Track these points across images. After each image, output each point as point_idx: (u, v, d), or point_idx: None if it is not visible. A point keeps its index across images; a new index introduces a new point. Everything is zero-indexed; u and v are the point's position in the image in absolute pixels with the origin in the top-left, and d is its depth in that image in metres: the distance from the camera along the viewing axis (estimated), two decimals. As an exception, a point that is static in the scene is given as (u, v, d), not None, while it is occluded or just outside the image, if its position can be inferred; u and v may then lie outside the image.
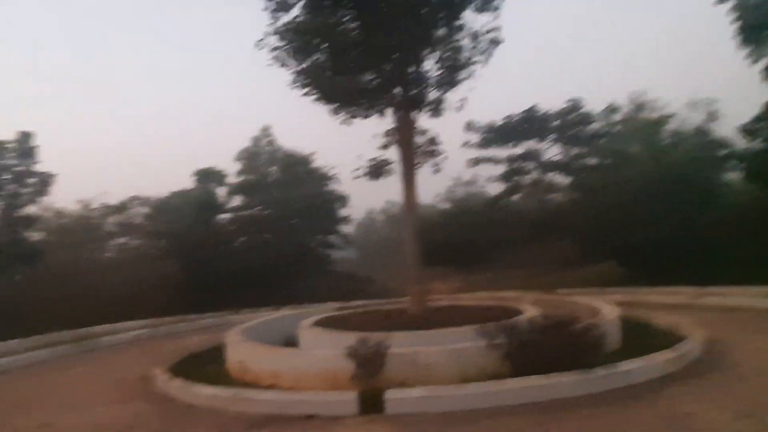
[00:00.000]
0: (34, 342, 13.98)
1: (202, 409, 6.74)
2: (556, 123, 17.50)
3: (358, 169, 11.57)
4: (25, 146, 20.25)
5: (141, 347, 13.20)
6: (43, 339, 14.72)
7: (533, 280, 19.62)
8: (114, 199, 26.15)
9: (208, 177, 26.32)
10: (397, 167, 11.25)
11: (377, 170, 11.51)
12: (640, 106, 21.48)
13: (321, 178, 30.41)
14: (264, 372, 7.86)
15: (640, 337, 8.71)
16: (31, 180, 20.39)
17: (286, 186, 29.38)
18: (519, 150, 18.03)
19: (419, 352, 6.96)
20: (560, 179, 18.43)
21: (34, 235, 22.21)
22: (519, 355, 6.75)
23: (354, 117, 11.60)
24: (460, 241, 23.15)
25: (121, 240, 26.76)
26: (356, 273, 32.95)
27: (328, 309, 14.13)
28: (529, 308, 10.51)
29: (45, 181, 20.61)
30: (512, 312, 10.50)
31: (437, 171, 11.61)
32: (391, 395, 6.01)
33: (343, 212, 31.14)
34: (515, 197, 19.20)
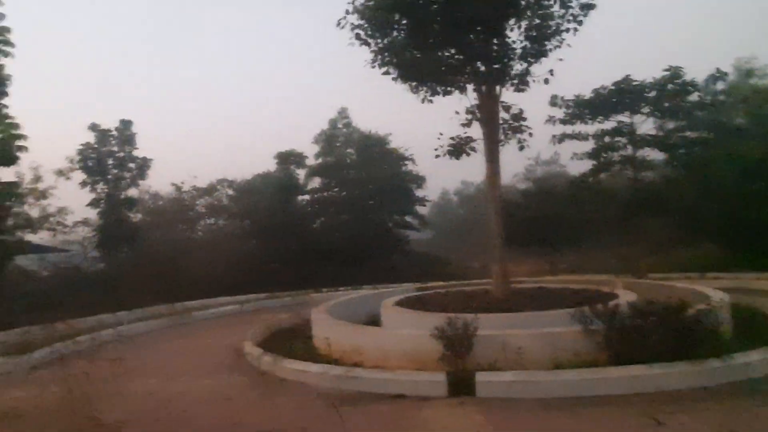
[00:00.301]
0: (137, 315, 15.14)
1: (293, 383, 6.92)
2: (652, 94, 16.12)
3: (439, 147, 11.30)
4: (125, 133, 21.78)
5: (231, 322, 13.87)
6: (145, 312, 15.92)
7: (622, 264, 18.51)
8: (203, 182, 27.64)
9: (289, 159, 27.05)
10: (480, 145, 10.89)
11: (459, 148, 11.17)
12: (747, 74, 19.37)
13: (397, 158, 30.37)
14: (349, 349, 7.93)
15: (754, 327, 7.91)
16: (131, 165, 21.93)
17: (363, 167, 29.62)
18: (609, 125, 16.87)
19: (509, 335, 6.70)
20: (655, 155, 17.08)
21: (134, 217, 23.99)
22: (619, 341, 6.32)
23: (435, 94, 11.33)
24: (543, 222, 22.25)
25: (210, 221, 28.26)
26: (432, 254, 32.81)
27: (407, 289, 14.08)
28: (624, 293, 9.86)
29: (143, 166, 22.10)
30: (604, 296, 9.89)
31: (522, 148, 11.10)
32: (482, 378, 5.84)
33: (420, 193, 30.99)
34: (604, 175, 18.02)
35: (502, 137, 10.99)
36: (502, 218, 10.69)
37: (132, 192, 22.64)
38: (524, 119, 10.95)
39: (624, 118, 17.02)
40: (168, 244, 25.59)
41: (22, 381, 8.15)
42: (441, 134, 11.38)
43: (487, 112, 10.62)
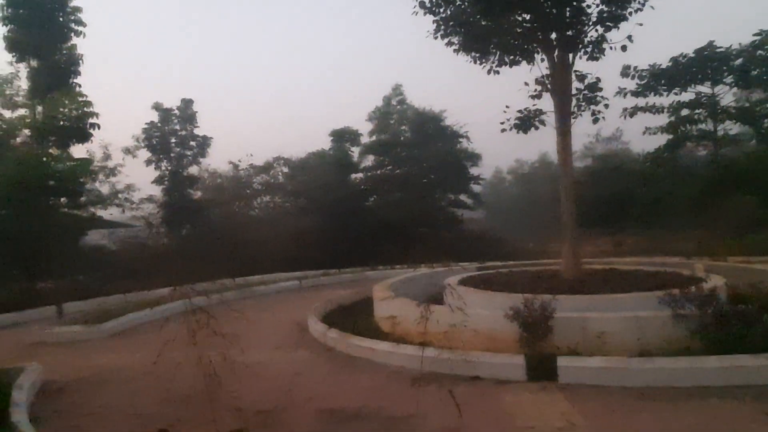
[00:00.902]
0: (204, 287, 15.57)
1: (361, 360, 6.82)
2: (738, 62, 14.78)
3: (505, 121, 10.81)
4: (187, 112, 22.31)
5: (291, 297, 14.05)
6: (209, 286, 16.37)
7: (695, 246, 17.38)
8: (259, 160, 28.08)
9: (343, 137, 26.98)
10: (550, 118, 10.32)
11: (527, 121, 10.64)
12: None
13: (452, 135, 29.76)
14: (416, 328, 7.76)
15: None
16: (192, 143, 22.50)
17: (417, 145, 29.21)
18: (686, 97, 15.68)
19: (590, 318, 6.31)
20: (738, 130, 15.74)
21: (195, 194, 24.70)
22: (716, 329, 5.80)
23: (502, 65, 10.80)
24: (610, 201, 21.25)
25: (266, 198, 28.75)
26: (486, 233, 32.18)
27: (467, 268, 13.76)
28: (709, 276, 9.17)
29: (203, 144, 22.63)
30: (686, 279, 9.26)
31: (596, 120, 10.44)
32: (565, 363, 5.51)
33: (475, 171, 30.32)
34: (681, 151, 16.85)
35: (575, 109, 10.37)
36: (574, 195, 10.12)
37: (193, 169, 23.31)
38: (600, 89, 10.26)
39: (704, 88, 15.77)
40: (227, 220, 26.29)
41: (103, 348, 8.49)
42: (507, 107, 10.88)
43: (559, 81, 10.01)
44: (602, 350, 5.99)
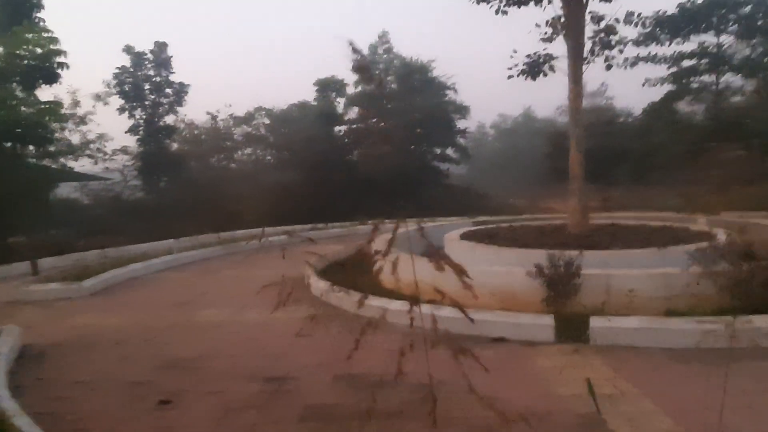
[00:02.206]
0: (185, 243, 14.90)
1: (372, 320, 6.35)
2: (745, 10, 14.21)
3: (513, 67, 10.16)
4: (161, 57, 20.88)
5: (281, 253, 13.47)
6: (192, 241, 15.69)
7: (688, 201, 17.26)
8: (239, 111, 26.82)
9: (329, 87, 25.84)
10: (560, 63, 9.71)
11: (536, 67, 10.01)
12: None
13: (439, 87, 28.86)
14: (423, 285, 7.33)
15: None
16: (168, 90, 21.18)
17: (404, 96, 28.27)
18: (688, 47, 15.12)
19: (616, 275, 5.94)
20: (741, 81, 15.33)
21: (173, 145, 23.52)
22: (751, 286, 5.48)
23: (510, 5, 10.02)
24: (601, 155, 20.90)
25: (247, 150, 27.69)
26: (471, 188, 31.87)
27: (464, 223, 13.37)
28: (719, 231, 8.90)
29: (180, 92, 21.34)
30: (695, 234, 9.01)
31: (610, 67, 9.88)
32: (598, 323, 5.13)
33: (463, 124, 29.65)
34: (681, 103, 16.43)
35: (588, 54, 9.76)
36: (584, 146, 9.65)
37: (170, 119, 22.08)
38: (615, 33, 9.64)
39: (708, 37, 15.22)
40: (206, 174, 25.28)
41: (84, 308, 7.87)
42: (515, 51, 10.23)
43: (573, 23, 9.33)
44: (630, 309, 5.66)
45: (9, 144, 10.07)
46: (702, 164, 16.78)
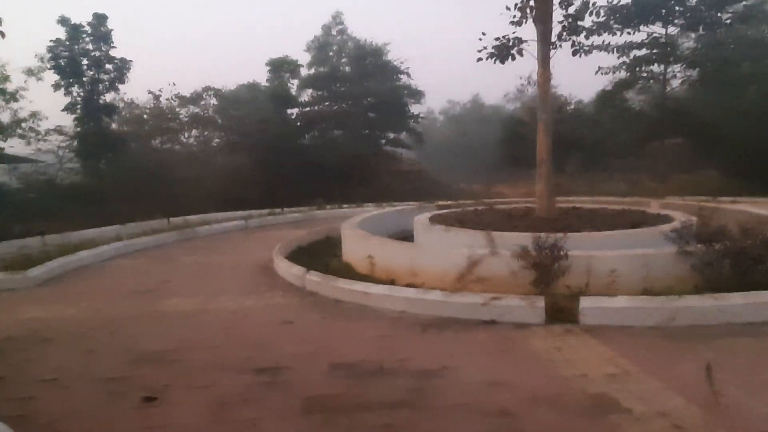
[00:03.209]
0: (134, 229, 14.05)
1: (352, 306, 6.19)
2: (691, 2, 14.84)
3: (482, 50, 10.09)
4: (100, 30, 19.46)
5: (241, 238, 13.00)
6: (141, 226, 14.82)
7: (633, 186, 18.07)
8: (185, 90, 25.58)
9: (282, 68, 25.05)
10: (528, 47, 9.74)
11: (505, 51, 9.99)
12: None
13: (393, 71, 28.68)
14: (400, 269, 7.22)
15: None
16: (109, 66, 19.80)
17: (357, 80, 27.91)
18: (639, 37, 15.65)
19: (597, 257, 6.03)
20: (687, 73, 16.05)
21: (114, 125, 22.12)
22: (721, 265, 5.72)
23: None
24: (554, 141, 21.47)
25: (194, 132, 26.51)
26: (423, 173, 32.10)
27: (420, 208, 13.33)
28: (678, 214, 9.30)
29: (122, 68, 20.02)
30: (655, 217, 9.37)
31: (577, 52, 10.00)
32: (588, 304, 5.18)
33: (417, 109, 29.65)
34: (631, 92, 17.03)
35: (555, 39, 9.84)
36: (552, 131, 9.76)
37: (110, 97, 20.68)
38: (582, 19, 9.76)
39: (657, 28, 15.80)
40: (151, 156, 24.01)
41: (33, 299, 7.21)
42: (484, 34, 10.16)
43: (542, 7, 9.35)
44: (611, 289, 5.77)
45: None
46: (646, 152, 17.57)
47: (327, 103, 28.49)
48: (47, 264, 8.73)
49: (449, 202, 16.06)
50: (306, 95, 28.17)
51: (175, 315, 6.16)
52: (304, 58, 27.45)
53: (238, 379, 4.15)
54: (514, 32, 9.86)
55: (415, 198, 20.73)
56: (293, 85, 26.35)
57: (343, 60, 28.16)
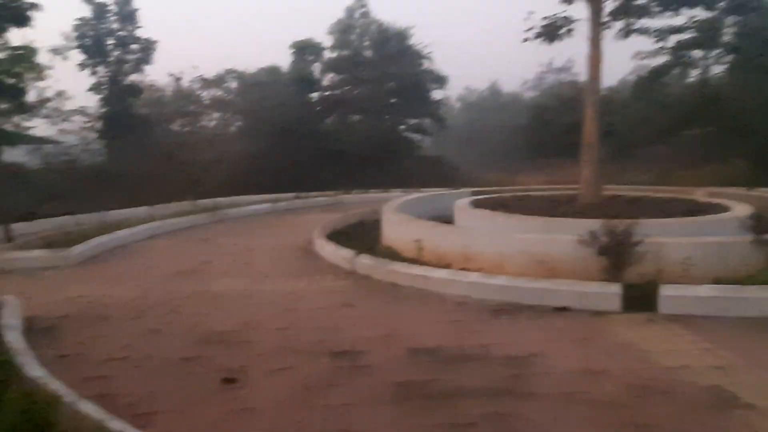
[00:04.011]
0: (163, 211, 13.95)
1: (410, 290, 5.99)
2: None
3: (529, 30, 9.77)
4: (125, 9, 19.23)
5: (271, 221, 12.83)
6: (170, 208, 14.72)
7: (659, 176, 17.60)
8: (206, 72, 25.28)
9: (305, 50, 24.69)
10: (580, 27, 9.39)
11: (553, 31, 9.66)
12: None
13: (416, 56, 28.20)
14: (452, 254, 6.99)
15: None
16: (134, 46, 19.59)
17: (379, 64, 27.47)
18: (678, 21, 15.11)
19: (668, 244, 5.77)
20: (726, 58, 15.51)
21: (138, 106, 21.93)
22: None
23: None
24: (577, 129, 21.03)
25: (216, 115, 26.29)
26: (443, 160, 31.70)
27: (455, 193, 13.07)
28: (727, 203, 8.96)
29: (147, 48, 19.80)
30: (710, 206, 9.03)
31: (628, 34, 9.64)
32: (668, 292, 4.93)
33: (439, 94, 29.20)
34: (667, 78, 16.52)
35: (607, 18, 9.48)
36: (600, 114, 9.44)
37: (135, 77, 20.48)
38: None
39: (698, 12, 15.23)
40: (171, 138, 23.88)
41: (78, 277, 7.09)
42: (531, 13, 9.83)
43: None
44: (685, 278, 5.51)
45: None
46: (677, 141, 17.10)
47: (347, 87, 28.12)
48: (88, 242, 8.62)
49: (482, 189, 15.77)
50: (327, 79, 27.81)
51: (228, 295, 6.00)
52: (326, 41, 27.06)
53: (315, 362, 3.98)
54: (564, 11, 9.51)
55: (435, 185, 20.43)
56: (316, 68, 25.98)
57: (365, 43, 27.72)
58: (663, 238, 5.94)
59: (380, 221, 11.15)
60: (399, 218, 8.53)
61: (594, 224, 6.05)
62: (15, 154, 19.91)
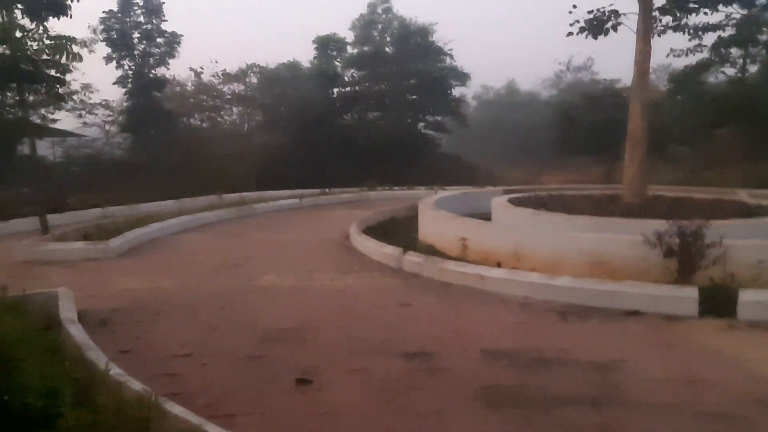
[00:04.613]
0: (190, 205, 13.89)
1: (465, 289, 5.78)
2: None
3: (574, 23, 9.49)
4: (152, 3, 19.17)
5: (300, 217, 12.67)
6: (197, 202, 14.66)
7: (692, 175, 17.20)
8: (229, 68, 25.20)
9: (328, 45, 24.51)
10: (627, 21, 9.10)
11: (600, 25, 9.37)
12: None
13: (438, 52, 27.93)
14: (501, 253, 6.76)
15: None
16: (160, 40, 19.54)
17: (400, 60, 27.25)
18: (717, 17, 14.70)
19: (737, 246, 5.50)
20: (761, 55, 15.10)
21: (161, 100, 21.88)
22: None
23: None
24: (607, 127, 20.68)
25: (237, 109, 26.23)
26: (462, 157, 31.39)
27: (486, 192, 12.84)
28: (782, 204, 8.65)
29: (172, 42, 19.73)
30: (757, 207, 8.73)
31: (678, 28, 9.31)
32: (749, 297, 4.68)
33: (462, 92, 28.92)
34: (705, 76, 16.12)
35: (656, 12, 9.18)
36: (648, 111, 9.14)
37: (160, 72, 20.43)
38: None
39: (735, 9, 14.81)
40: (192, 133, 23.84)
41: (120, 269, 6.98)
42: (575, 6, 9.55)
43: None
44: (758, 282, 5.25)
45: (14, 85, 8.73)
46: (705, 140, 16.70)
47: (367, 84, 27.93)
48: (124, 235, 8.52)
49: (513, 187, 15.51)
50: (348, 75, 27.64)
51: (278, 291, 5.84)
52: (348, 37, 26.89)
53: (388, 363, 3.79)
54: (611, 4, 9.23)
55: (456, 183, 20.22)
56: (338, 64, 25.81)
57: (387, 39, 27.49)
58: (731, 240, 5.68)
59: (413, 218, 10.97)
60: (440, 215, 8.32)
61: (651, 224, 5.82)
62: (38, 147, 19.92)
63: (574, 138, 21.95)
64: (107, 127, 21.70)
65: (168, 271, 6.89)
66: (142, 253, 8.19)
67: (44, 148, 20.79)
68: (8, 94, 13.03)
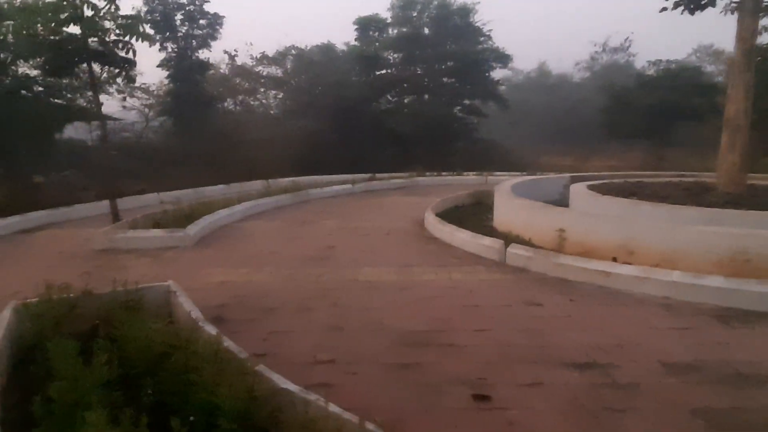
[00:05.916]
0: (241, 190, 13.61)
1: (588, 286, 5.33)
2: None
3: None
4: (194, -18, 18.77)
5: (358, 203, 12.25)
6: (248, 187, 14.39)
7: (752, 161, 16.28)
8: (267, 50, 24.80)
9: (369, 26, 23.89)
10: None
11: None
12: None
13: (477, 33, 27.11)
14: (609, 246, 6.25)
15: None
16: (202, 21, 19.16)
17: (438, 42, 26.51)
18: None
19: None
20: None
21: (204, 83, 21.58)
22: None
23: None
24: (657, 111, 19.84)
25: (278, 94, 25.85)
26: (496, 142, 30.64)
27: (552, 179, 12.27)
28: None
29: (214, 24, 19.34)
30: None
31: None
32: None
33: (498, 74, 28.13)
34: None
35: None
36: (751, 94, 8.45)
37: (202, 54, 20.08)
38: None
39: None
40: (229, 117, 23.55)
41: (204, 260, 6.66)
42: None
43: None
44: None
45: (84, 66, 8.44)
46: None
47: (404, 66, 27.27)
48: (198, 222, 8.21)
49: (579, 174, 14.86)
50: (385, 57, 27.00)
51: (384, 287, 5.43)
52: (386, 17, 26.21)
53: (563, 376, 3.36)
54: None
55: (500, 168, 19.64)
56: (378, 45, 25.18)
57: (425, 20, 26.73)
58: None
59: (476, 206, 10.56)
60: (528, 204, 7.80)
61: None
62: (71, 131, 19.81)
63: (624, 122, 21.12)
64: (147, 111, 21.54)
65: (254, 262, 6.54)
66: (216, 240, 7.87)
67: (84, 132, 20.74)
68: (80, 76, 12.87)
